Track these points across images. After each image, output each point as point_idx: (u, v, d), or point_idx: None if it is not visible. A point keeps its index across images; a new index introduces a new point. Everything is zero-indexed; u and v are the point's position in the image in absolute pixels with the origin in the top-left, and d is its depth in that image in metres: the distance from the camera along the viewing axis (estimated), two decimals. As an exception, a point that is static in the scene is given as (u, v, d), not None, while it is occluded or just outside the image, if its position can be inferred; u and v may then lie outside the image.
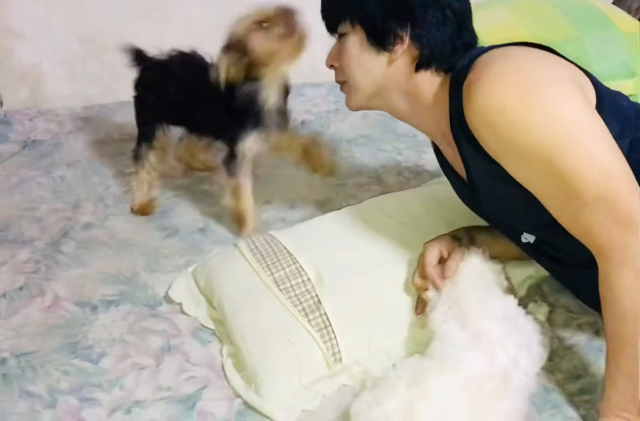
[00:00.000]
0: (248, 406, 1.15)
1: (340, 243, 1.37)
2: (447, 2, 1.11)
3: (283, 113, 1.52)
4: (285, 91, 1.52)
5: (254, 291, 1.28)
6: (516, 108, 0.97)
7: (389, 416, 0.98)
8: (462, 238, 1.26)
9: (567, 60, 1.08)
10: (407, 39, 1.11)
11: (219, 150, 1.63)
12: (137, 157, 1.66)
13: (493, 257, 1.24)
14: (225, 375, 1.21)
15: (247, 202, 1.54)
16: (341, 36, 1.18)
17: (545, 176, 0.99)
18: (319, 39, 2.21)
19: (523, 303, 1.22)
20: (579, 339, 1.23)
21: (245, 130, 1.48)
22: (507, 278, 1.24)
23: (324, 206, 1.65)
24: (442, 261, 1.24)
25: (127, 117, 2.06)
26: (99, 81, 2.22)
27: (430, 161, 1.83)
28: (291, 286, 1.27)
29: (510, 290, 1.23)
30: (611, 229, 0.96)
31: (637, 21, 2.06)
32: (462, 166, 1.16)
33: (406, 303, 1.26)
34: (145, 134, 1.65)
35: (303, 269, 1.30)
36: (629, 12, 2.24)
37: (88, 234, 1.59)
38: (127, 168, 1.81)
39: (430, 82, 1.13)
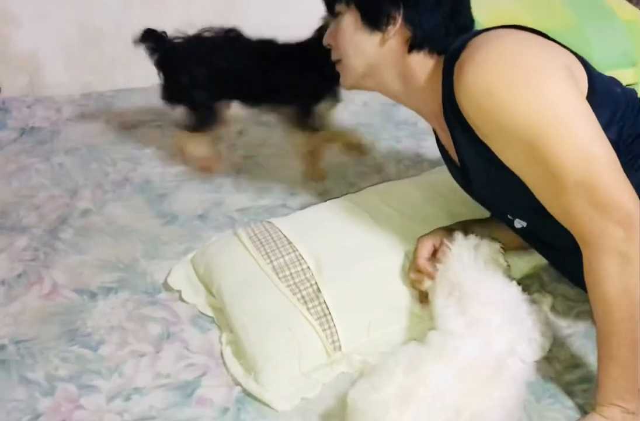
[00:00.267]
0: (247, 393, 1.15)
1: (339, 231, 1.37)
2: None
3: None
4: None
5: (253, 279, 1.28)
6: (503, 91, 0.98)
7: (386, 401, 0.98)
8: (457, 231, 1.26)
9: (560, 45, 1.08)
10: (399, 20, 1.11)
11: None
12: (195, 125, 1.66)
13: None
14: (224, 363, 1.21)
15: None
16: (337, 15, 1.19)
17: (529, 160, 1.00)
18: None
19: (527, 290, 1.22)
20: (578, 329, 1.24)
21: (324, 93, 1.55)
22: (506, 260, 1.24)
23: (324, 194, 1.64)
24: (435, 254, 1.24)
25: (126, 104, 2.07)
26: (98, 68, 2.21)
27: (430, 150, 1.82)
28: (290, 274, 1.27)
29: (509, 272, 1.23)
30: (593, 215, 0.97)
31: (637, 10, 2.05)
32: (454, 148, 1.16)
33: (405, 291, 1.26)
34: (203, 113, 1.66)
35: (302, 258, 1.29)
36: (630, 0, 2.23)
37: (86, 221, 1.58)
38: (125, 155, 1.82)
39: (423, 64, 1.14)
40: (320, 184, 1.69)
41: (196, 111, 1.65)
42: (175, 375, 1.19)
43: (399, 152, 1.83)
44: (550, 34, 1.09)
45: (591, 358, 1.18)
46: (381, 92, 1.24)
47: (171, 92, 1.67)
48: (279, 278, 1.27)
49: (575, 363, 1.18)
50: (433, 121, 1.21)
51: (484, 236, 1.24)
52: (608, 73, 1.13)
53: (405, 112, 2.00)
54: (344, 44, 1.18)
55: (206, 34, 1.63)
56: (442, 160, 1.73)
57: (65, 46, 2.16)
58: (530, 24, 1.09)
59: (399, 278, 1.28)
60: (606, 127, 1.00)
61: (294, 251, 1.31)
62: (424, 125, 1.91)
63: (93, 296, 1.36)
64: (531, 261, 1.35)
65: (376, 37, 1.14)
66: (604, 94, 1.05)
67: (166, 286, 1.37)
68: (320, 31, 1.44)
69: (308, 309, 1.22)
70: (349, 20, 1.16)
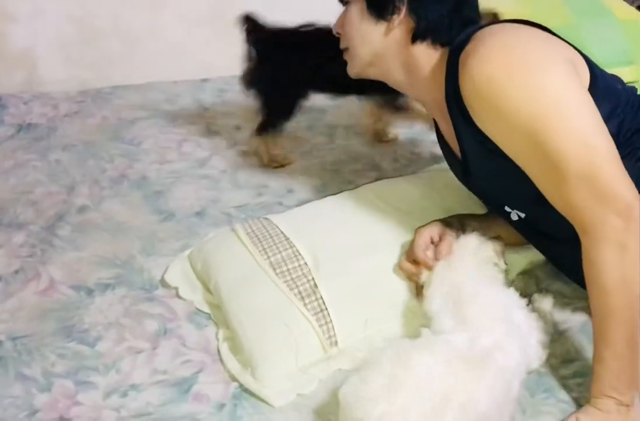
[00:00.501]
0: (243, 389, 1.15)
1: (337, 227, 1.37)
2: None
3: None
4: None
5: (250, 275, 1.28)
6: (505, 79, 0.99)
7: (375, 393, 0.99)
8: (453, 224, 1.27)
9: (564, 41, 1.09)
10: (404, 10, 1.13)
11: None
12: (266, 127, 1.71)
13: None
14: (221, 359, 1.21)
15: None
16: (346, 4, 1.21)
17: (530, 149, 1.01)
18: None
19: (525, 289, 1.23)
20: (573, 324, 1.24)
21: None
22: (505, 262, 1.24)
23: (321, 191, 1.65)
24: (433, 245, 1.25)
25: (123, 101, 2.07)
26: (95, 64, 2.21)
27: (426, 148, 1.83)
28: (287, 270, 1.27)
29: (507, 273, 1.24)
30: (592, 205, 0.98)
31: (634, 9, 2.06)
32: (455, 140, 1.17)
33: (402, 287, 1.26)
34: (283, 108, 1.70)
35: (300, 254, 1.29)
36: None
37: (83, 217, 1.58)
38: (122, 151, 1.81)
39: (427, 55, 1.15)
40: (318, 180, 1.69)
41: (276, 103, 1.69)
42: (172, 371, 1.19)
43: (396, 151, 1.83)
44: (548, 28, 1.10)
45: (586, 353, 1.18)
46: (386, 81, 1.25)
47: (259, 78, 1.69)
48: (276, 274, 1.27)
49: (571, 357, 1.18)
50: (436, 111, 1.22)
51: (481, 230, 1.25)
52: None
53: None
54: (351, 33, 1.20)
55: (304, 29, 1.67)
56: (438, 158, 1.76)
57: (63, 43, 2.16)
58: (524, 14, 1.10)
59: (395, 275, 1.28)
60: (606, 120, 1.01)
61: (291, 247, 1.31)
62: (420, 124, 1.93)
63: (90, 292, 1.36)
64: (528, 256, 1.36)
65: (381, 26, 1.15)
66: (605, 89, 1.06)
67: (163, 283, 1.38)
68: None
69: (305, 305, 1.22)
70: (356, 10, 1.18)
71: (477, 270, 1.17)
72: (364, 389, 1.00)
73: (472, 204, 1.41)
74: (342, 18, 1.22)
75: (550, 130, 0.98)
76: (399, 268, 1.26)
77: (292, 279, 1.26)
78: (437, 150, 1.79)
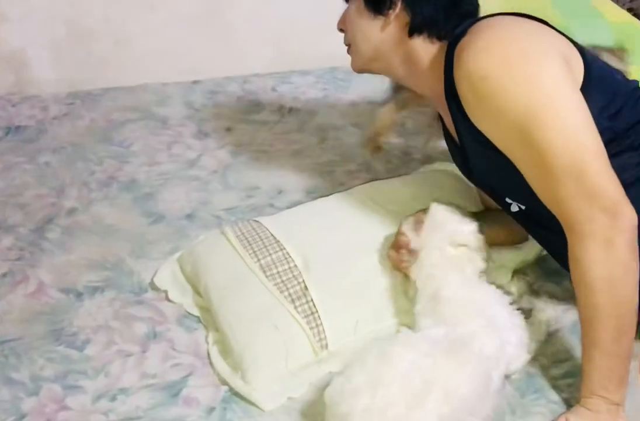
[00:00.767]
0: (233, 393, 1.15)
1: (327, 229, 1.36)
2: None
3: None
4: None
5: (240, 278, 1.27)
6: (498, 76, 1.00)
7: (358, 388, 1.00)
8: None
9: (559, 33, 1.09)
10: (399, 4, 1.14)
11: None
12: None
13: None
14: (210, 362, 1.20)
15: None
16: (348, 1, 1.22)
17: (520, 144, 1.02)
18: (306, 28, 2.23)
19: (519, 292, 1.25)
20: (563, 324, 1.25)
21: None
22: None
23: (312, 193, 1.64)
24: None
25: (113, 103, 2.06)
26: (85, 66, 2.19)
27: (418, 149, 1.82)
28: (278, 272, 1.27)
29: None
30: (579, 202, 0.99)
31: (624, 11, 2.06)
32: (456, 132, 1.17)
33: (392, 288, 1.26)
34: None
35: (290, 256, 1.29)
36: (617, 1, 2.23)
37: (72, 220, 1.57)
38: (112, 154, 1.80)
39: (426, 49, 1.15)
40: (309, 182, 1.69)
41: None
42: (162, 375, 1.19)
43: (388, 152, 1.83)
44: (544, 20, 1.10)
45: (577, 353, 1.18)
46: (388, 75, 1.26)
47: None
48: (267, 277, 1.26)
49: (561, 357, 1.19)
50: (438, 105, 1.23)
51: None
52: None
53: (393, 112, 2.01)
54: (352, 29, 1.21)
55: None
56: (431, 159, 1.75)
57: (52, 44, 2.14)
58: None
59: (386, 277, 1.27)
60: (602, 110, 1.03)
61: (281, 249, 1.30)
62: (412, 125, 1.93)
63: (79, 295, 1.36)
64: (520, 255, 1.36)
65: (379, 21, 1.16)
66: (601, 81, 1.07)
67: (153, 286, 1.37)
68: None
69: (295, 307, 1.21)
70: (355, 6, 1.19)
71: (458, 268, 1.18)
72: (347, 386, 1.01)
73: (464, 207, 1.40)
74: (344, 15, 1.23)
75: (541, 127, 0.99)
76: (387, 257, 1.26)
77: (282, 281, 1.25)
78: (429, 151, 1.81)
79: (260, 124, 1.94)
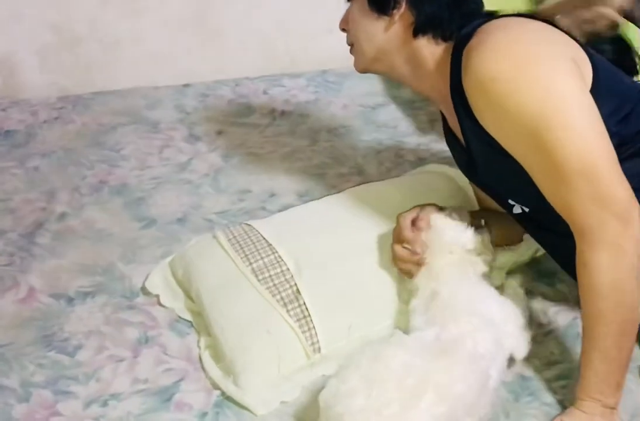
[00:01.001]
0: (226, 397, 1.14)
1: (319, 232, 1.36)
2: None
3: None
4: None
5: (232, 282, 1.27)
6: (509, 79, 0.98)
7: (353, 389, 1.00)
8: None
9: (567, 34, 1.08)
10: (404, 4, 1.12)
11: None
12: None
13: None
14: (202, 367, 1.20)
15: None
16: (350, 1, 1.21)
17: (531, 149, 1.00)
18: (297, 31, 2.23)
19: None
20: (557, 326, 1.25)
21: None
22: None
23: (304, 196, 1.64)
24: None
25: (103, 107, 2.05)
26: (74, 70, 2.18)
27: (410, 151, 1.83)
28: (270, 276, 1.26)
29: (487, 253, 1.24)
30: (589, 207, 0.98)
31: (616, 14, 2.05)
32: (461, 133, 1.16)
33: (385, 292, 1.26)
34: None
35: (282, 259, 1.28)
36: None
37: (63, 224, 1.56)
38: (103, 158, 1.79)
39: (431, 49, 1.14)
40: (301, 185, 1.69)
41: None
42: (154, 380, 1.18)
43: (380, 154, 1.83)
44: (552, 21, 1.09)
45: (570, 355, 1.18)
46: (391, 76, 1.24)
47: None
48: (259, 280, 1.26)
49: (554, 359, 1.19)
50: (441, 105, 1.22)
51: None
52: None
53: (385, 115, 2.01)
54: (355, 29, 1.20)
55: None
56: (422, 161, 1.75)
57: (41, 48, 2.13)
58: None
59: (379, 280, 1.27)
60: (611, 114, 1.02)
61: (273, 252, 1.30)
62: (404, 127, 1.93)
63: (70, 300, 1.35)
64: (514, 256, 1.37)
65: (383, 22, 1.15)
66: (609, 85, 1.05)
67: (144, 290, 1.36)
68: None
69: (288, 311, 1.21)
70: (358, 6, 1.17)
71: (460, 270, 1.18)
72: (342, 388, 1.01)
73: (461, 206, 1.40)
74: (347, 15, 1.22)
75: (553, 131, 0.97)
76: (393, 257, 1.25)
77: (274, 285, 1.25)
78: (421, 153, 1.81)
79: (252, 127, 1.94)
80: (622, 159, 1.01)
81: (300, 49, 2.28)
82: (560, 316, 1.26)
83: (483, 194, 1.36)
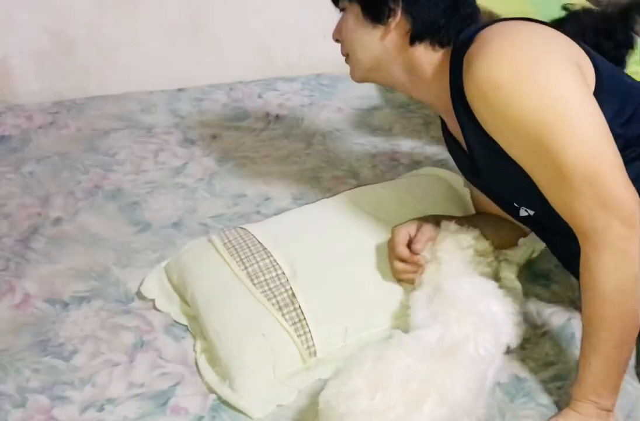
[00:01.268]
0: (222, 401, 1.14)
1: (315, 236, 1.36)
2: None
3: None
4: None
5: (227, 286, 1.27)
6: (511, 85, 0.98)
7: (356, 390, 1.00)
8: (430, 221, 1.27)
9: (569, 36, 1.07)
10: (399, 12, 1.11)
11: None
12: None
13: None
14: (198, 371, 1.20)
15: None
16: (342, 11, 1.20)
17: (535, 154, 1.00)
18: (292, 34, 2.24)
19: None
20: (552, 327, 1.25)
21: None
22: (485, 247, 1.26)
23: (299, 199, 1.64)
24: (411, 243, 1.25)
25: (98, 112, 2.05)
26: (69, 75, 2.18)
27: (404, 154, 1.83)
28: (265, 280, 1.26)
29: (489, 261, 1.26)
30: (595, 212, 0.98)
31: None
32: (463, 138, 1.16)
33: (380, 295, 1.26)
34: None
35: (277, 263, 1.28)
36: (598, 6, 2.24)
37: (58, 229, 1.56)
38: (97, 162, 1.79)
39: (428, 56, 1.13)
40: (296, 189, 1.69)
41: None
42: (150, 384, 1.18)
43: (375, 157, 1.83)
44: (553, 24, 1.09)
45: (565, 356, 1.19)
46: (390, 84, 1.24)
47: None
48: (254, 284, 1.26)
49: (550, 361, 1.19)
50: (442, 111, 1.21)
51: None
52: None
53: (380, 118, 2.01)
54: (350, 39, 1.19)
55: None
56: (417, 164, 1.75)
57: (36, 53, 2.13)
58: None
59: (374, 283, 1.27)
60: (615, 118, 1.02)
61: (268, 256, 1.30)
62: (398, 130, 1.94)
63: (65, 305, 1.35)
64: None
65: (378, 31, 1.14)
66: (612, 87, 1.05)
67: (139, 295, 1.36)
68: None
69: (283, 315, 1.21)
70: (352, 15, 1.16)
71: (463, 266, 1.20)
72: (344, 389, 1.01)
73: (452, 211, 1.41)
74: (340, 24, 1.21)
75: (556, 136, 0.97)
76: (392, 270, 1.26)
77: (269, 289, 1.25)
78: (416, 156, 1.82)
79: (246, 131, 1.94)
80: (627, 162, 1.00)
81: (295, 53, 2.29)
82: (555, 317, 1.27)
83: (481, 198, 1.36)
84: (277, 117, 2.03)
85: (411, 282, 1.23)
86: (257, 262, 1.29)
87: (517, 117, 0.98)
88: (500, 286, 1.19)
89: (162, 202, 1.65)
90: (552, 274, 1.37)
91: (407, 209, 1.43)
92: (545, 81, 0.98)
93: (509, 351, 1.13)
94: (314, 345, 1.18)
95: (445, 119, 1.24)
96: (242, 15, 2.21)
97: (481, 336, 1.07)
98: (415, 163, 1.77)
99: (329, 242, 1.34)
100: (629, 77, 1.15)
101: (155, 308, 1.33)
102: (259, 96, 2.14)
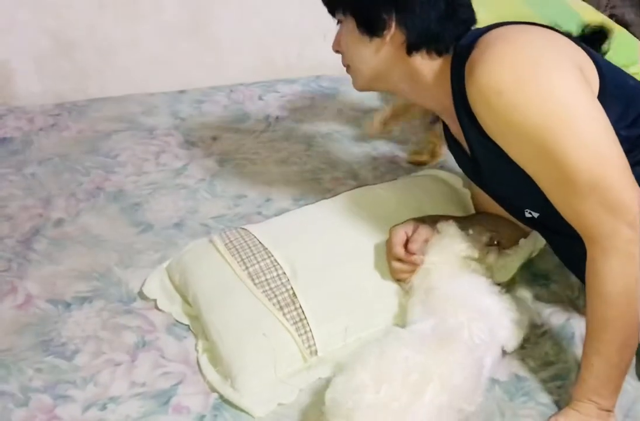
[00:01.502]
0: (223, 400, 1.15)
1: (315, 236, 1.37)
2: None
3: None
4: None
5: (228, 286, 1.28)
6: (514, 91, 0.98)
7: (362, 385, 1.02)
8: (427, 221, 1.28)
9: (570, 39, 1.07)
10: (393, 24, 1.11)
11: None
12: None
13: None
14: (200, 370, 1.20)
15: None
16: (340, 23, 1.20)
17: (540, 159, 1.00)
18: (291, 37, 2.25)
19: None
20: (551, 327, 1.26)
21: None
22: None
23: (300, 200, 1.65)
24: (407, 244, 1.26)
25: (99, 114, 2.06)
26: (70, 77, 2.19)
27: (404, 158, 1.83)
28: (266, 280, 1.27)
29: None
30: (602, 216, 0.98)
31: (602, 15, 2.07)
32: (466, 142, 1.17)
33: (381, 294, 1.26)
34: None
35: (278, 263, 1.29)
36: (598, 7, 2.25)
37: (60, 230, 1.56)
38: (99, 164, 1.80)
39: (428, 64, 1.13)
40: (296, 190, 1.70)
41: None
42: (151, 384, 1.18)
43: (375, 159, 1.84)
44: (554, 27, 1.09)
45: (565, 356, 1.19)
46: (391, 91, 1.25)
47: None
48: (255, 284, 1.27)
49: (549, 360, 1.19)
50: (444, 115, 1.22)
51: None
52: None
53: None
54: (348, 51, 1.19)
55: None
56: (416, 167, 1.76)
57: (37, 55, 2.14)
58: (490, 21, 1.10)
59: (375, 282, 1.28)
60: (619, 120, 1.01)
61: (269, 256, 1.31)
62: (398, 132, 1.94)
63: (67, 306, 1.35)
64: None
65: (374, 43, 1.14)
66: (615, 89, 1.05)
67: (141, 295, 1.36)
68: None
69: (284, 314, 1.21)
70: (348, 28, 1.16)
71: (455, 265, 1.21)
72: (350, 384, 1.03)
73: (451, 211, 1.41)
74: (338, 37, 1.21)
75: (560, 141, 0.97)
76: (390, 270, 1.26)
77: (270, 289, 1.26)
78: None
79: (247, 133, 1.95)
80: (632, 164, 1.00)
81: (295, 55, 2.30)
82: (554, 317, 1.27)
83: (482, 198, 1.36)
84: (278, 118, 2.03)
85: (408, 282, 1.24)
86: (258, 262, 1.30)
87: (521, 122, 0.98)
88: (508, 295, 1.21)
89: (163, 203, 1.66)
90: (552, 274, 1.37)
91: (406, 209, 1.43)
92: (548, 85, 0.98)
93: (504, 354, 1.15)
94: (314, 344, 1.19)
95: (447, 122, 1.25)
96: (242, 17, 2.22)
97: (475, 325, 1.09)
98: (415, 166, 1.77)
99: (329, 242, 1.35)
100: (633, 78, 1.15)
101: (157, 308, 1.33)
102: (260, 98, 2.15)
